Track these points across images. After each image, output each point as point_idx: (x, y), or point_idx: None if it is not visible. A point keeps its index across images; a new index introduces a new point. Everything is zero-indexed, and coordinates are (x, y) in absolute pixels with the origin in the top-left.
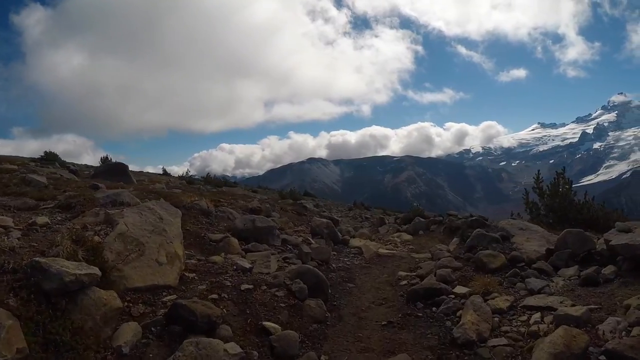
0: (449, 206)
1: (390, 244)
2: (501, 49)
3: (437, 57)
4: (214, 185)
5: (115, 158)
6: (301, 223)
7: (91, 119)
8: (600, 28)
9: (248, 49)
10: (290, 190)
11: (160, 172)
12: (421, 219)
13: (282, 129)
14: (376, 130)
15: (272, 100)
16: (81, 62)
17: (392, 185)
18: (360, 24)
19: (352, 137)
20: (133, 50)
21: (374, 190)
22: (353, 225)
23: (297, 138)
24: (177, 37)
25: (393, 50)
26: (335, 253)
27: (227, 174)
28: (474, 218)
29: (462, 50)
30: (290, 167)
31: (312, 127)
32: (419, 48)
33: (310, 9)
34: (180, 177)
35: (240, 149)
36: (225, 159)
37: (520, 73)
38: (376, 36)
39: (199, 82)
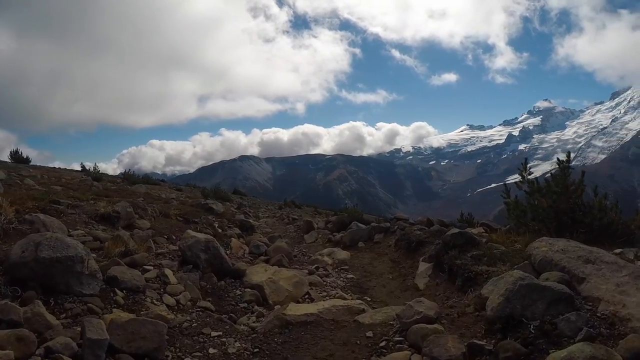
0: (380, 204)
1: (317, 269)
2: (435, 54)
3: (373, 60)
4: (131, 182)
5: (40, 155)
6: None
7: (14, 110)
8: (528, 40)
9: (187, 40)
10: (215, 188)
11: (79, 168)
12: (360, 225)
13: (214, 125)
14: (309, 128)
15: (207, 95)
16: (3, 45)
17: (324, 183)
18: (301, 23)
19: (284, 135)
20: (62, 33)
21: (306, 188)
22: (275, 229)
23: (229, 135)
24: (110, 21)
25: (331, 52)
26: (201, 310)
27: (157, 172)
28: (454, 232)
29: (396, 54)
30: (221, 164)
31: (245, 124)
32: (357, 51)
33: (252, 5)
34: (86, 173)
35: (171, 146)
36: (155, 155)
37: (451, 77)
38: (315, 37)
39: (133, 72)
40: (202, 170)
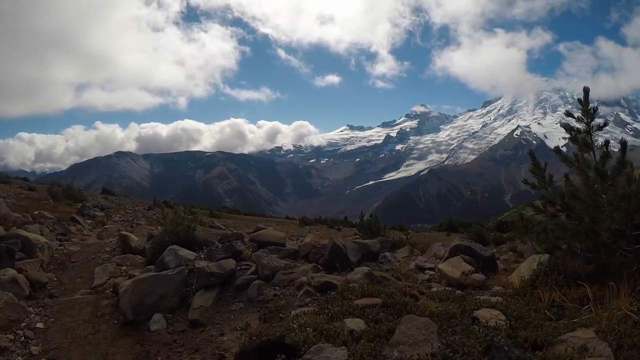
0: (260, 202)
1: None
2: (320, 57)
3: (260, 59)
4: None
5: None
6: None
7: None
8: (410, 50)
9: (70, 21)
10: (67, 186)
11: None
12: (167, 264)
13: (90, 117)
14: (189, 124)
15: (85, 84)
16: None
17: (203, 181)
18: (192, 16)
19: (164, 130)
20: None
21: (185, 186)
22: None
23: (105, 129)
24: None
25: (219, 48)
26: None
27: (26, 169)
28: None
29: (283, 54)
30: (96, 161)
31: (123, 117)
32: (246, 49)
33: None
34: None
35: (42, 140)
36: (24, 150)
37: (334, 79)
38: (205, 31)
39: (1, 52)
40: (75, 168)
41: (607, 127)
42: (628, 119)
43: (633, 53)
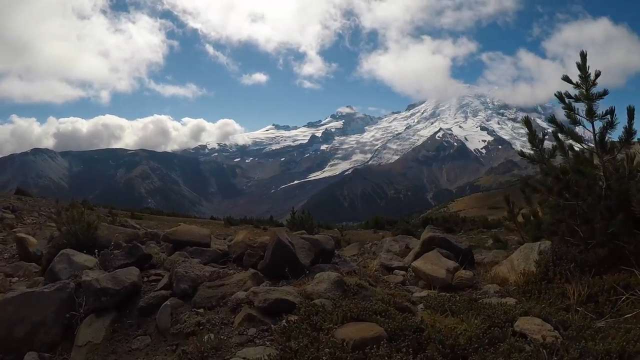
0: (184, 202)
1: None
2: (249, 55)
3: (187, 54)
4: None
5: None
6: None
7: None
8: (338, 52)
9: None
10: None
11: None
12: None
13: (5, 110)
14: (111, 119)
15: (1, 73)
16: None
17: (125, 181)
18: (121, 4)
19: (84, 125)
20: None
21: (105, 186)
22: None
23: (22, 123)
24: None
25: (146, 40)
26: None
27: None
28: None
29: (211, 50)
30: (11, 159)
31: (41, 110)
32: (174, 43)
33: None
34: None
35: None
36: None
37: (262, 78)
38: (133, 22)
39: None
40: None
41: (523, 131)
42: (544, 125)
43: (551, 65)
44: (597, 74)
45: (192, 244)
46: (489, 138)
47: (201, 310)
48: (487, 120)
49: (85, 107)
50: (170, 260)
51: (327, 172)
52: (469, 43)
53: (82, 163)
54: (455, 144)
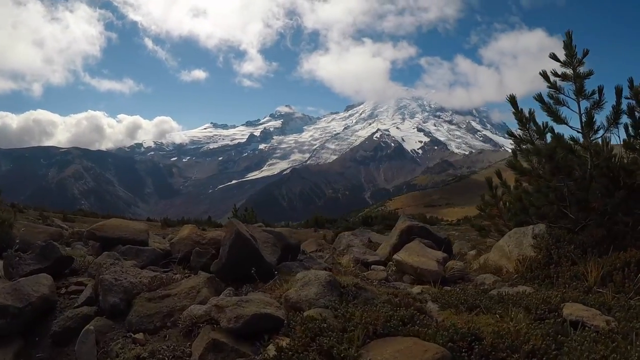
0: (119, 203)
1: None
2: (189, 51)
3: (126, 47)
4: None
5: None
6: None
7: None
8: (279, 51)
9: None
10: None
11: None
12: None
13: None
14: (43, 114)
15: None
16: None
17: (57, 181)
18: None
19: (14, 120)
20: None
21: (37, 186)
22: None
23: None
24: None
25: (84, 31)
26: None
27: None
28: None
29: (150, 44)
30: None
31: None
32: (113, 35)
33: None
34: None
35: None
36: None
37: (201, 75)
38: (71, 11)
39: None
40: None
41: (459, 133)
42: (478, 127)
43: (487, 71)
44: (585, 53)
45: (124, 241)
46: (425, 139)
47: (140, 336)
48: (424, 122)
49: (15, 101)
50: (96, 264)
51: (266, 171)
52: (409, 47)
53: (12, 162)
54: (393, 144)
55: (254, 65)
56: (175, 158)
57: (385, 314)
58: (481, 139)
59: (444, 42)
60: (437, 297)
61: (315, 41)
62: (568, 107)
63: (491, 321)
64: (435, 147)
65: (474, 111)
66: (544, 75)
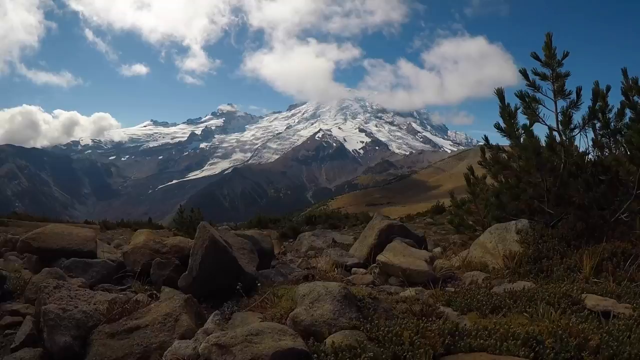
0: (55, 205)
1: None
2: (131, 45)
3: (65, 38)
4: None
5: None
6: None
7: None
8: (223, 48)
9: None
10: None
11: None
12: None
13: None
14: None
15: None
16: None
17: None
18: None
19: None
20: None
21: None
22: None
23: None
24: None
25: (22, 19)
26: None
27: None
28: None
29: (90, 35)
30: None
31: None
32: (52, 24)
33: None
34: None
35: None
36: None
37: (142, 69)
38: None
39: None
40: None
41: (399, 134)
42: (419, 128)
43: (428, 75)
44: (565, 55)
45: (68, 253)
46: (367, 139)
47: None
48: (366, 123)
49: None
50: (35, 286)
51: (207, 171)
52: (353, 49)
53: None
54: (335, 144)
55: (196, 61)
56: (114, 157)
57: (444, 328)
58: (421, 140)
59: (388, 45)
60: (449, 300)
61: (260, 39)
62: (544, 106)
63: (525, 321)
64: (377, 148)
65: (414, 113)
66: (523, 73)
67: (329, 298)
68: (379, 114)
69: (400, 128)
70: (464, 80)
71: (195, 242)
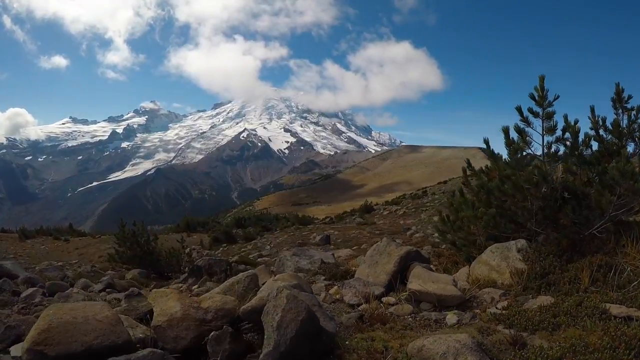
0: None
1: None
2: (51, 35)
3: None
4: None
5: None
6: None
7: None
8: (147, 43)
9: None
10: None
11: None
12: None
13: None
14: None
15: None
16: None
17: None
18: None
19: None
20: None
21: None
22: None
23: None
24: None
25: None
26: None
27: None
28: None
29: (8, 23)
30: None
31: None
32: None
33: None
34: None
35: None
36: None
37: (61, 62)
38: None
39: None
40: None
41: (324, 134)
42: (344, 129)
43: (353, 77)
44: (556, 97)
45: (101, 351)
46: (292, 139)
47: None
48: (291, 123)
49: None
50: None
51: (129, 172)
52: (280, 48)
53: None
54: (260, 144)
55: (119, 55)
56: (30, 157)
57: None
58: (346, 140)
59: (316, 46)
60: (510, 322)
61: (185, 35)
62: (531, 138)
63: (582, 333)
64: (302, 147)
65: (339, 114)
66: (518, 110)
67: (466, 351)
68: (304, 114)
69: (325, 128)
70: (389, 82)
71: (284, 314)
